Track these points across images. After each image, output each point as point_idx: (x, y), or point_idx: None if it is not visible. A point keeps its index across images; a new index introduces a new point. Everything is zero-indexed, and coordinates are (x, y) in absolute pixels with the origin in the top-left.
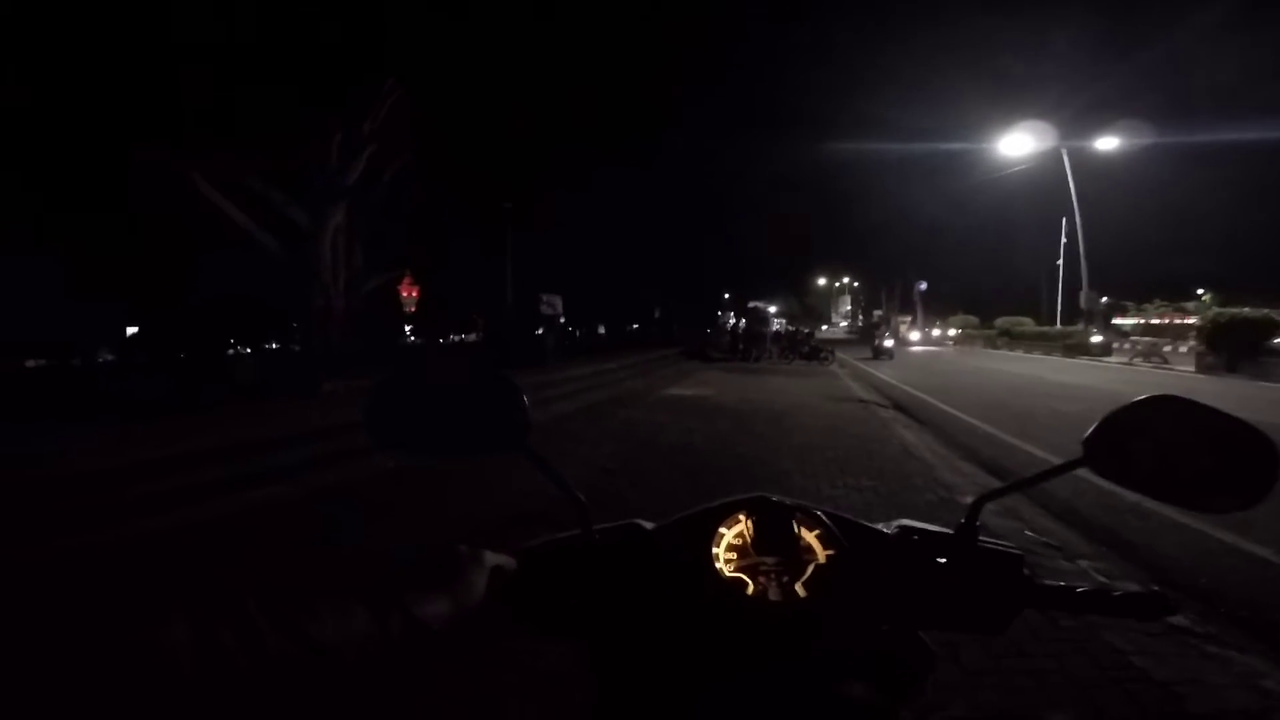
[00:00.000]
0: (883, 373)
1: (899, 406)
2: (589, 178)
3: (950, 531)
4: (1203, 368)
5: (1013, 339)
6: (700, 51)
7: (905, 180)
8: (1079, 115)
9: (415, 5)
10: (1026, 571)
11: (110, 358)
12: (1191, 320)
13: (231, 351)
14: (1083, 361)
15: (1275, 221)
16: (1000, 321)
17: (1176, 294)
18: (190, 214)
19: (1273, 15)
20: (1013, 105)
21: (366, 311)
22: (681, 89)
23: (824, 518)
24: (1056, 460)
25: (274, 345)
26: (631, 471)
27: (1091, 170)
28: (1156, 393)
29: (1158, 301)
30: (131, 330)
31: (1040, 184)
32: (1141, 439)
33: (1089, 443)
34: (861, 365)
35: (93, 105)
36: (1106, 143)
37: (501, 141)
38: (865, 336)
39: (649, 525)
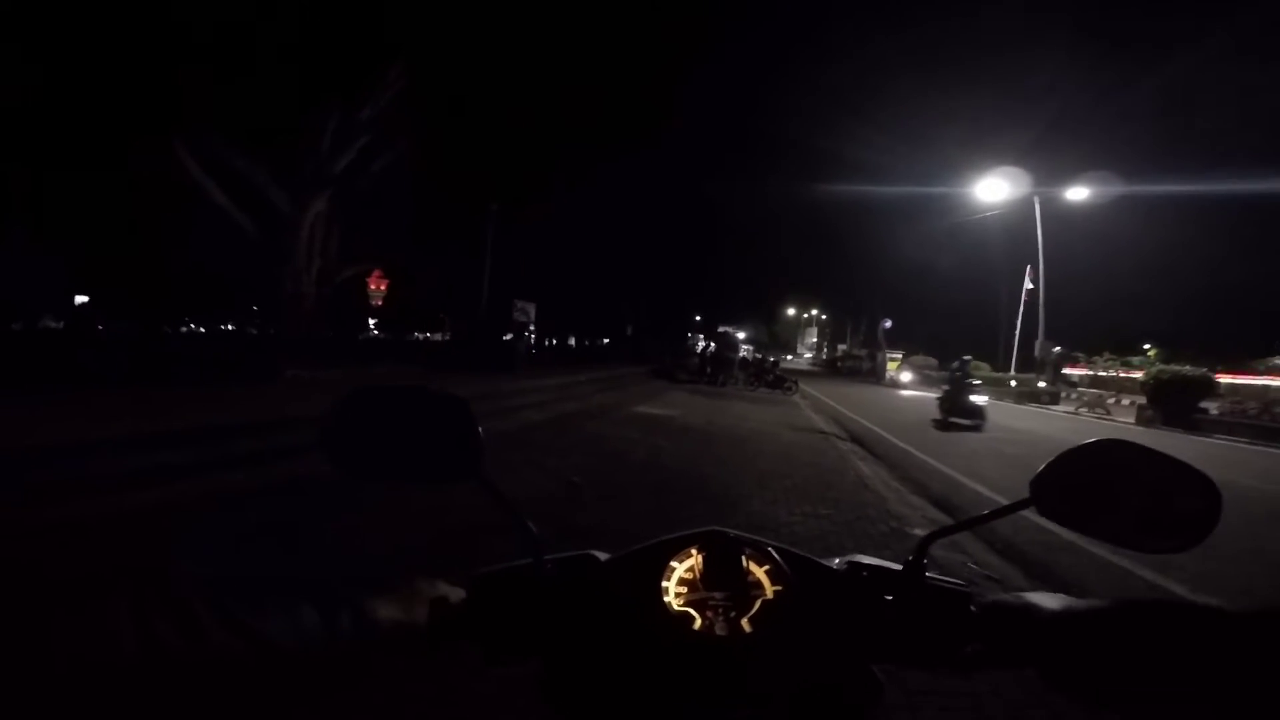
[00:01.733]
0: (842, 407)
1: (856, 439)
2: (576, 186)
3: (899, 568)
4: (1142, 420)
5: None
6: (688, 81)
7: (879, 220)
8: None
9: None
10: (974, 608)
11: (56, 325)
12: (1137, 375)
13: (185, 329)
14: (1031, 408)
15: (1227, 279)
16: (976, 364)
17: (1125, 347)
18: (165, 187)
19: (1234, 75)
20: (978, 153)
21: (335, 301)
22: (675, 101)
23: (774, 553)
24: (999, 499)
25: (230, 327)
26: (598, 484)
27: (1060, 219)
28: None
29: (1106, 355)
30: (81, 299)
31: (1015, 230)
32: (1088, 481)
33: (1036, 484)
34: (822, 398)
35: (91, 78)
36: (1077, 193)
37: (497, 139)
38: (831, 369)
39: (603, 556)
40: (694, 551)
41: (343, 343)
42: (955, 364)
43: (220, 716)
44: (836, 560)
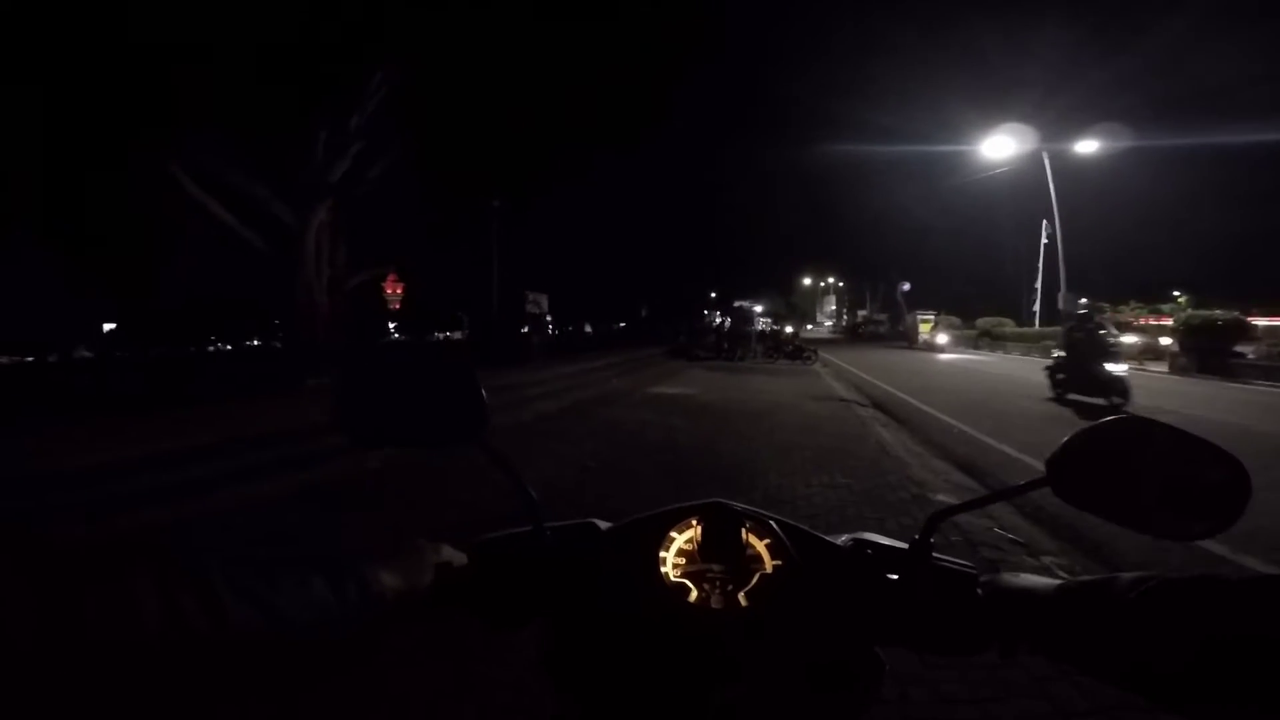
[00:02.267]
0: (862, 371)
1: (878, 405)
2: (581, 176)
3: (904, 546)
4: (1175, 369)
5: (994, 339)
6: (693, 54)
7: (891, 182)
8: (1060, 116)
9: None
10: (979, 590)
11: (88, 354)
12: (1167, 322)
13: (212, 349)
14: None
15: (1250, 227)
16: (981, 322)
17: (1153, 296)
18: (172, 209)
19: (1248, 21)
20: (996, 107)
21: (351, 309)
22: (676, 88)
23: (775, 527)
24: (1029, 460)
25: (256, 342)
26: (612, 469)
27: (1071, 173)
28: (1149, 401)
29: (1134, 303)
30: (109, 327)
31: (1022, 186)
32: (1105, 461)
33: (1052, 463)
34: (842, 364)
35: (84, 101)
36: (1086, 146)
37: (496, 136)
38: (852, 335)
39: (604, 525)
40: (694, 522)
41: (362, 349)
42: (1074, 317)
43: (242, 689)
44: (843, 537)
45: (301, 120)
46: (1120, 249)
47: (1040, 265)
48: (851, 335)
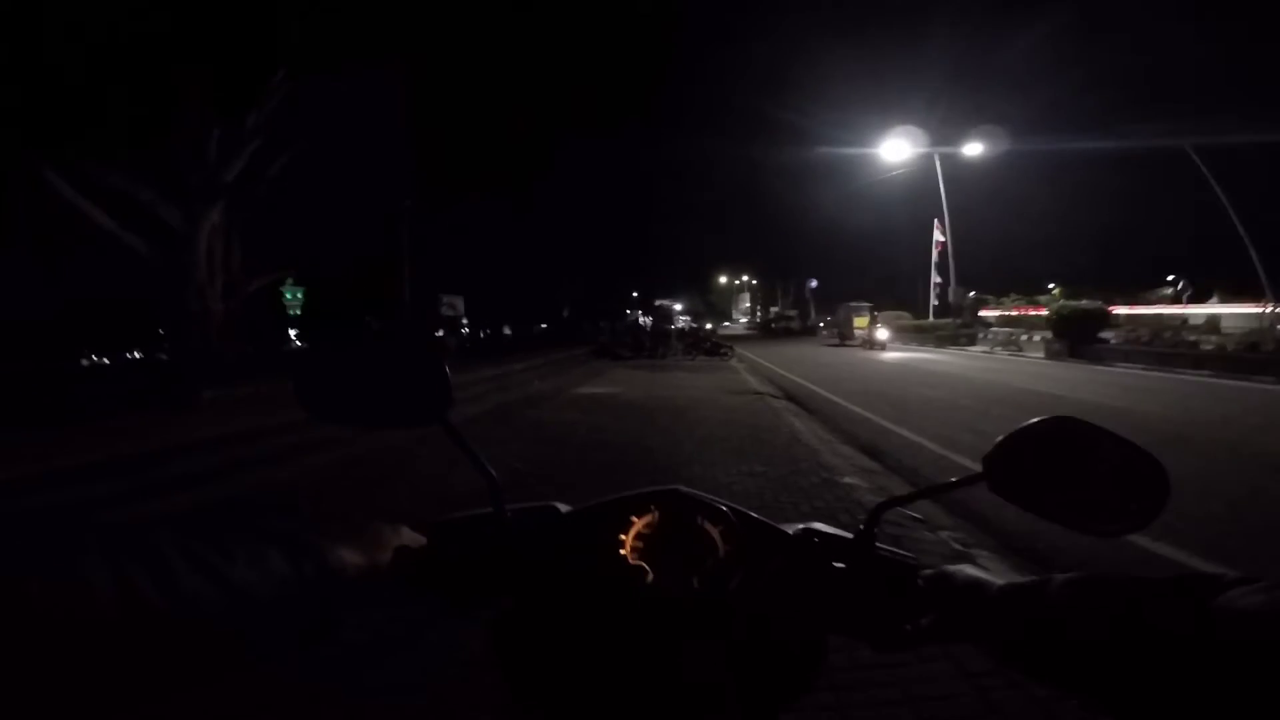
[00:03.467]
0: (775, 365)
1: (789, 396)
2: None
3: (850, 536)
4: (1050, 354)
5: (894, 331)
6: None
7: (803, 184)
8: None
9: None
10: (921, 581)
11: None
12: (1043, 311)
13: (87, 361)
14: (951, 351)
15: (1114, 223)
16: (882, 316)
17: (1031, 288)
18: (38, 211)
19: (1117, 29)
20: (898, 112)
21: (247, 315)
22: (596, 87)
23: (728, 514)
24: (925, 442)
25: (137, 354)
26: (541, 469)
27: (960, 176)
28: (1011, 382)
29: (1014, 295)
30: None
31: (918, 187)
32: (1038, 459)
33: (988, 460)
34: (756, 359)
35: None
36: (972, 149)
37: (412, 135)
38: (766, 331)
39: (564, 508)
40: (652, 508)
41: (261, 358)
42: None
43: (201, 664)
44: (794, 527)
45: (192, 118)
46: (1008, 244)
47: (933, 262)
48: (765, 331)
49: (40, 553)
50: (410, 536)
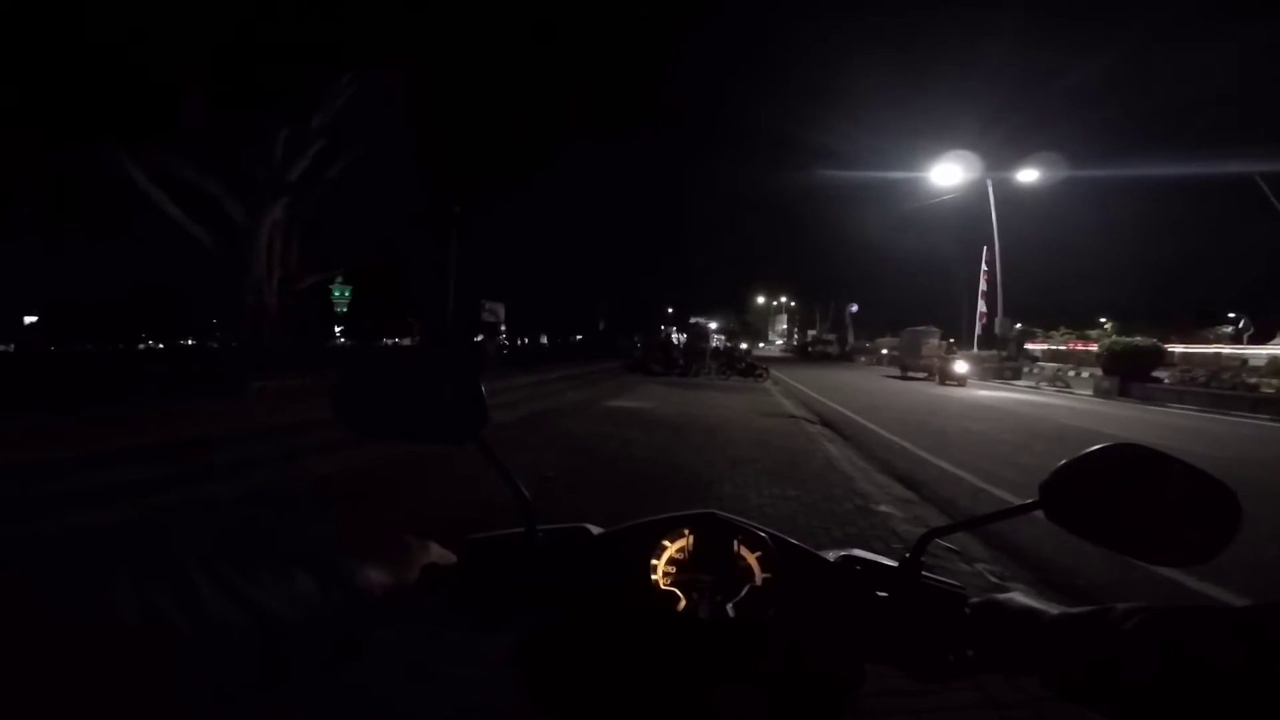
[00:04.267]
0: (812, 390)
1: (825, 422)
2: (544, 185)
3: (894, 564)
4: (1099, 392)
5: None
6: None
7: (847, 207)
8: (999, 147)
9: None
10: (968, 610)
11: (5, 347)
12: (1094, 347)
13: (142, 346)
14: (995, 384)
15: (1173, 256)
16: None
17: (1081, 322)
18: (111, 201)
19: (1177, 57)
20: (947, 137)
21: (299, 310)
22: (642, 106)
23: (766, 539)
24: (964, 475)
25: (191, 341)
26: (571, 479)
27: (1011, 201)
28: (1057, 418)
29: (1063, 329)
30: (30, 319)
31: (967, 212)
32: (1100, 487)
33: (1046, 487)
34: (791, 383)
35: (38, 96)
36: (1027, 175)
37: (461, 142)
38: (802, 354)
39: (596, 530)
40: (686, 532)
41: (309, 352)
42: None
43: (223, 687)
44: (834, 554)
45: (263, 119)
46: (1059, 273)
47: (980, 290)
48: (801, 354)
49: (69, 579)
50: (440, 553)
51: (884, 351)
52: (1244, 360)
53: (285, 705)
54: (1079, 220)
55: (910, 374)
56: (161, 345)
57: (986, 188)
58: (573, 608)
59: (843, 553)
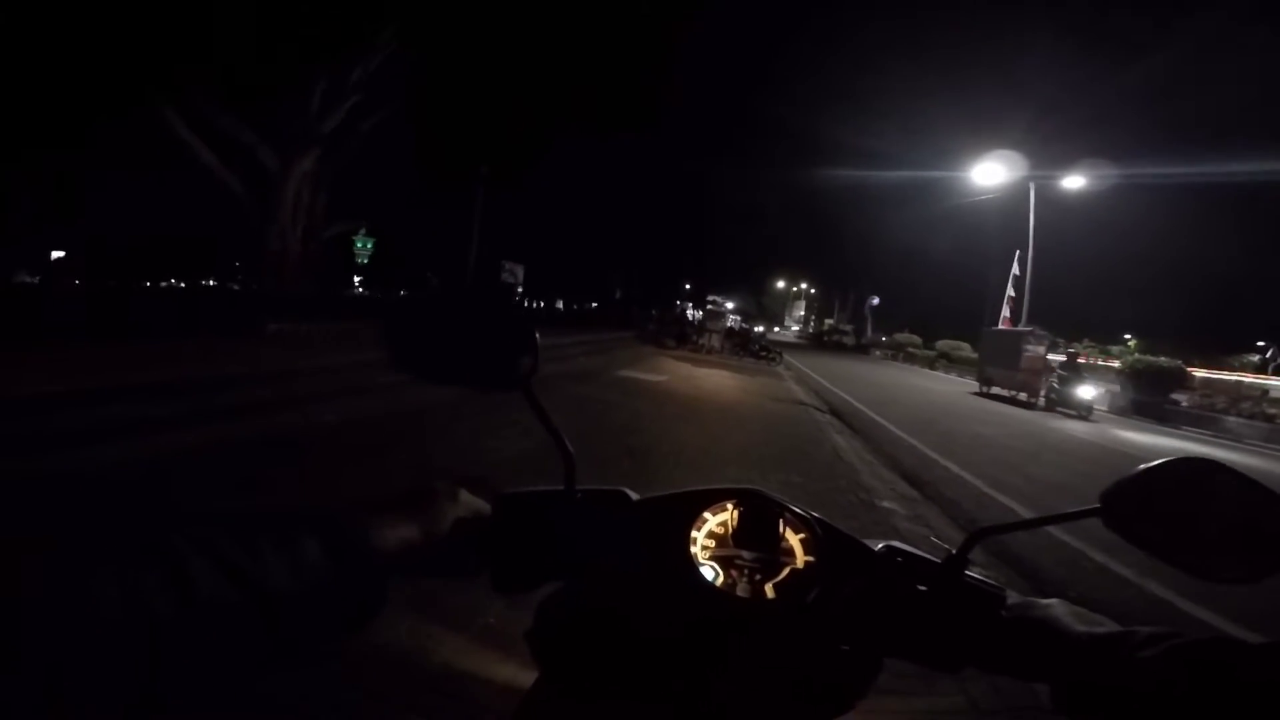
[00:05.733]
0: (825, 380)
1: (834, 412)
2: (571, 154)
3: (938, 561)
4: (1114, 409)
5: (950, 361)
6: (686, 59)
7: (877, 201)
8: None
9: None
10: (1004, 613)
11: (31, 279)
12: (1115, 364)
13: (165, 284)
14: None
15: (1211, 276)
16: (940, 344)
17: (1106, 336)
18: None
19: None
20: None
21: (320, 259)
22: (674, 79)
23: (813, 523)
24: (970, 478)
25: (212, 283)
26: (576, 446)
27: (1048, 208)
28: (1066, 429)
29: (1086, 341)
30: (57, 254)
31: (997, 216)
32: (1162, 499)
33: (1108, 496)
34: (803, 368)
35: (77, 39)
36: (1073, 181)
37: (491, 105)
38: (817, 343)
39: (635, 495)
40: (730, 506)
41: (327, 299)
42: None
43: (219, 674)
44: (877, 544)
45: (305, 71)
46: (1086, 284)
47: (1007, 295)
48: (816, 341)
49: (50, 567)
50: (472, 501)
51: (910, 350)
52: (1265, 390)
53: (285, 692)
54: (1120, 230)
55: (990, 388)
56: (183, 285)
57: (1027, 189)
58: (603, 573)
59: (885, 544)
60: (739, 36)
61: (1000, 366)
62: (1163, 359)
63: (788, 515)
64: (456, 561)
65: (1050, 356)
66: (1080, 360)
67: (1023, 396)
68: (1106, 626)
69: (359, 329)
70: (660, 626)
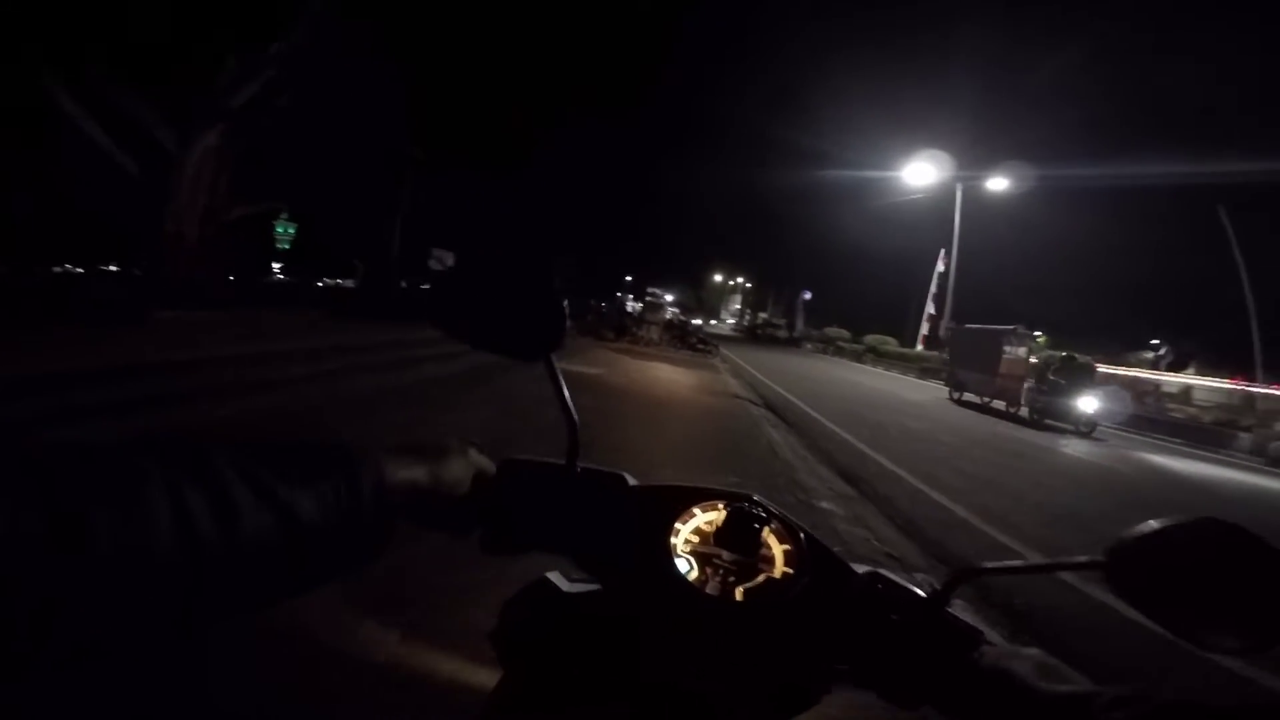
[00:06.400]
0: (759, 373)
1: (769, 406)
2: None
3: (922, 594)
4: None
5: (877, 356)
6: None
7: (808, 198)
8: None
9: None
10: (978, 655)
11: None
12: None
13: (59, 270)
14: (933, 384)
15: (1118, 278)
16: (868, 338)
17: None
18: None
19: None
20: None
21: (231, 244)
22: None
23: (801, 536)
24: (904, 474)
25: (114, 268)
26: (503, 446)
27: (972, 207)
28: (993, 428)
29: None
30: None
31: (924, 214)
32: (1172, 562)
33: (1113, 552)
34: (739, 361)
35: None
36: (997, 183)
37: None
38: (751, 336)
39: (633, 480)
40: (720, 506)
41: (235, 285)
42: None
43: (248, 602)
44: (862, 568)
45: (214, 45)
46: (1003, 282)
47: (931, 292)
48: (750, 335)
49: (101, 479)
50: (480, 461)
51: (839, 344)
52: (1157, 385)
53: (310, 616)
54: (1036, 230)
55: (961, 394)
56: (81, 270)
57: (954, 190)
58: (594, 552)
59: (869, 569)
60: (682, 33)
61: (974, 370)
62: (1076, 355)
63: (775, 525)
64: (455, 516)
65: (1032, 359)
66: (1084, 362)
67: (999, 405)
68: (1076, 684)
69: (267, 316)
70: (630, 610)
